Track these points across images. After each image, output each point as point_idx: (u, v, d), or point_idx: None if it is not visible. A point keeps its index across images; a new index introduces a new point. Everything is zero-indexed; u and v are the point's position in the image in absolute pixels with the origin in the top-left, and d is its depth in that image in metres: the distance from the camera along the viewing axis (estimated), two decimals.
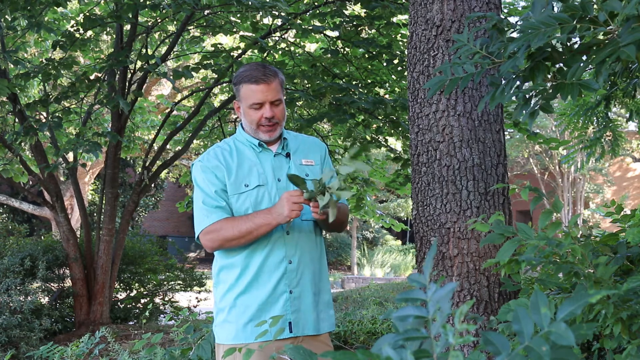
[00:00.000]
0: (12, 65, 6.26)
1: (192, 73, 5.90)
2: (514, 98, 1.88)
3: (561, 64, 1.82)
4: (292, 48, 7.11)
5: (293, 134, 2.40)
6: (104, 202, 6.79)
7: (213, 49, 6.91)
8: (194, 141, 8.26)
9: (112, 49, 6.81)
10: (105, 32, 7.18)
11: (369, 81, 6.74)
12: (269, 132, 2.25)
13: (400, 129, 6.47)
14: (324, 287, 2.32)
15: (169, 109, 8.15)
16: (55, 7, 6.07)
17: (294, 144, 2.35)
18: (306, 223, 2.26)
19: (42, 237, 8.49)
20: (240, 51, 6.87)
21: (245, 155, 2.27)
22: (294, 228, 2.23)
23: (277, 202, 2.11)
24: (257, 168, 2.24)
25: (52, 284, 6.90)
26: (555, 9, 1.80)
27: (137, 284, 8.00)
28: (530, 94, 1.85)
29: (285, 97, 2.36)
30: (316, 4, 6.65)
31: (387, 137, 7.10)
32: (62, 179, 11.80)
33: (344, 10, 6.41)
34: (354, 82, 6.61)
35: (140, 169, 7.02)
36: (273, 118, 2.24)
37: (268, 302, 2.17)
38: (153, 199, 19.40)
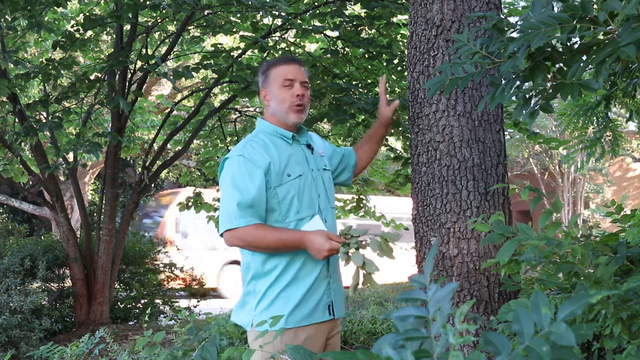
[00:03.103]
0: (12, 66, 6.25)
1: (192, 73, 5.90)
2: (514, 98, 1.88)
3: (561, 64, 1.82)
4: (292, 48, 7.11)
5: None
6: (104, 202, 6.78)
7: (213, 49, 6.91)
8: (194, 141, 8.25)
9: (112, 49, 6.81)
10: (105, 32, 7.18)
11: (369, 81, 6.73)
12: (298, 112, 2.33)
13: (400, 128, 6.47)
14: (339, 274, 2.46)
15: (169, 109, 8.15)
16: (55, 7, 6.06)
17: (310, 138, 2.47)
18: (333, 209, 2.42)
19: (42, 237, 8.49)
20: (240, 51, 6.86)
21: (281, 147, 2.32)
22: (329, 215, 2.35)
23: (317, 238, 2.15)
24: (294, 158, 2.31)
25: (52, 284, 6.90)
26: (555, 9, 1.80)
27: (137, 284, 7.99)
28: (530, 94, 1.85)
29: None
30: (316, 4, 6.65)
31: (387, 137, 7.10)
32: (62, 179, 11.79)
33: (344, 10, 6.41)
34: (354, 82, 6.61)
35: (140, 169, 7.02)
36: (303, 97, 2.33)
37: (312, 289, 2.26)
38: (153, 199, 19.37)
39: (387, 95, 2.61)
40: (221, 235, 2.27)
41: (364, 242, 2.14)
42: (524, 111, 1.84)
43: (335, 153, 2.62)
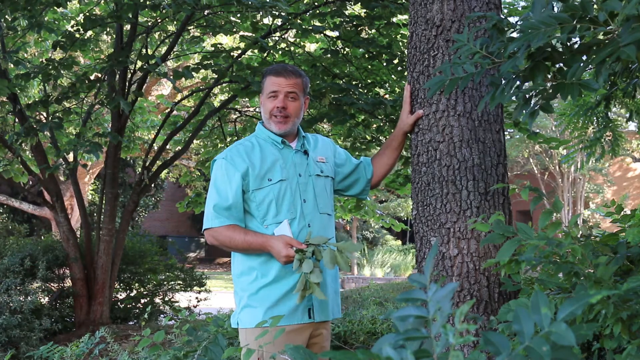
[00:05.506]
0: (12, 66, 6.25)
1: (192, 73, 5.90)
2: (514, 98, 1.88)
3: (561, 64, 1.82)
4: (292, 48, 7.11)
5: (310, 134, 2.57)
6: (104, 202, 6.78)
7: (213, 49, 6.90)
8: (194, 141, 8.25)
9: (112, 49, 6.81)
10: (105, 32, 7.17)
11: (369, 81, 6.73)
12: (279, 123, 2.39)
13: None
14: (337, 275, 2.49)
15: (169, 109, 8.14)
16: (55, 7, 6.06)
17: (311, 143, 2.51)
18: (326, 216, 2.42)
19: (42, 237, 8.49)
20: (240, 51, 6.86)
21: (268, 151, 2.39)
22: (315, 221, 2.37)
23: (276, 243, 2.22)
24: (280, 163, 2.37)
25: (52, 284, 6.89)
26: (555, 9, 1.80)
27: (137, 284, 7.99)
28: (530, 94, 1.85)
29: (306, 100, 2.51)
30: (316, 4, 6.65)
31: (387, 137, 7.09)
32: (62, 179, 11.79)
33: (344, 10, 6.41)
34: (354, 82, 6.60)
35: (140, 169, 7.02)
36: (284, 109, 2.37)
37: (291, 290, 2.29)
38: (153, 199, 19.40)
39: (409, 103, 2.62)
40: (202, 232, 2.41)
41: (320, 252, 2.17)
42: (524, 111, 1.84)
43: (349, 162, 2.62)
